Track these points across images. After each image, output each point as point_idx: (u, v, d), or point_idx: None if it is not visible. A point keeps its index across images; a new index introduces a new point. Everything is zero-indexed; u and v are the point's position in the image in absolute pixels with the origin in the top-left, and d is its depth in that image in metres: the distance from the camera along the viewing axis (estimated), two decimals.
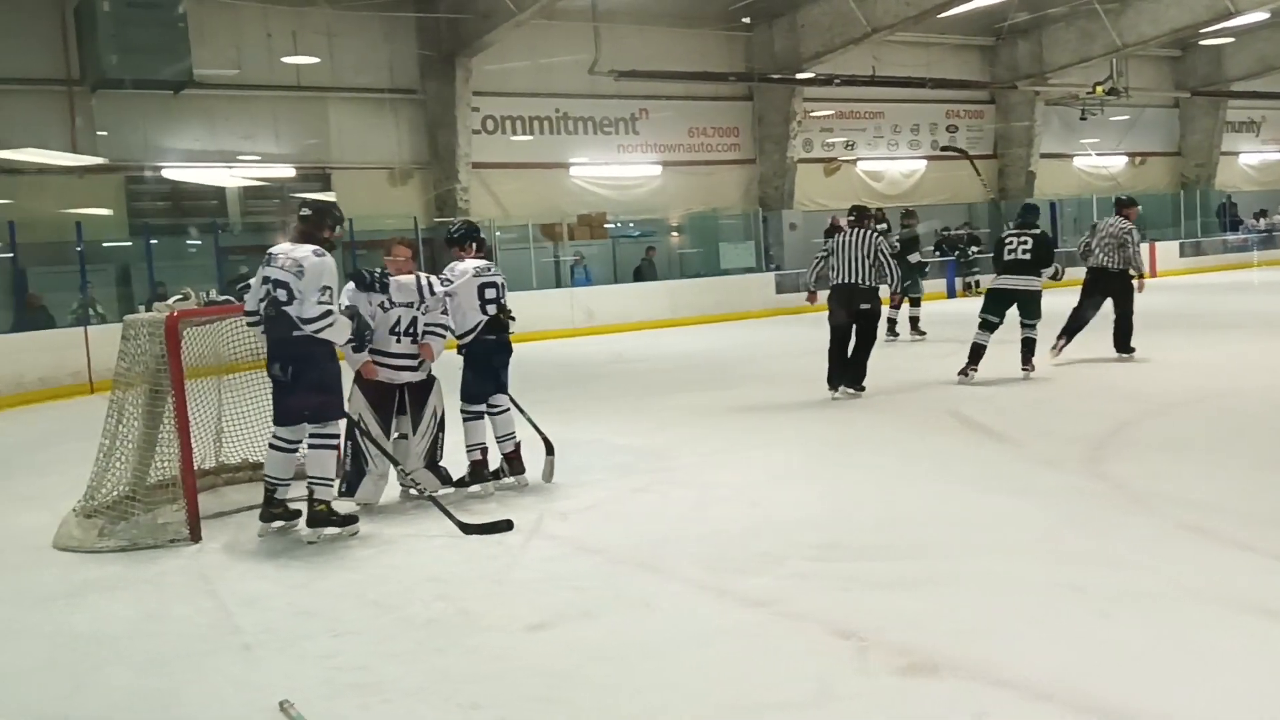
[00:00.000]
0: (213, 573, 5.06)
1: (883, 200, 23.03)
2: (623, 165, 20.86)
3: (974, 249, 22.37)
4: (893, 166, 24.25)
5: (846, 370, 9.11)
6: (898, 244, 13.75)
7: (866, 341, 9.16)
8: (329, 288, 5.51)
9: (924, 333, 13.83)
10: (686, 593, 4.39)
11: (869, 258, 8.90)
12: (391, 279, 6.03)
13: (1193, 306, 15.55)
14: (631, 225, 21.07)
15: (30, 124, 15.26)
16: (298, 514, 5.69)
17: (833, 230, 21.63)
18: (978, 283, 21.88)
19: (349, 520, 5.61)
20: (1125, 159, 27.54)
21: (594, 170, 20.56)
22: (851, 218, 9.33)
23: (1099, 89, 23.03)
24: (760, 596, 4.23)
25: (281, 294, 5.44)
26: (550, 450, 6.53)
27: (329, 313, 5.46)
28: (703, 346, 14.95)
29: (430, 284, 6.15)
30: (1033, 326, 9.61)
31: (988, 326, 9.62)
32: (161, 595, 4.77)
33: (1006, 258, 9.69)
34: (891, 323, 13.51)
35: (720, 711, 3.27)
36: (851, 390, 9.12)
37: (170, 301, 5.97)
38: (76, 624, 4.43)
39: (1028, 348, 9.62)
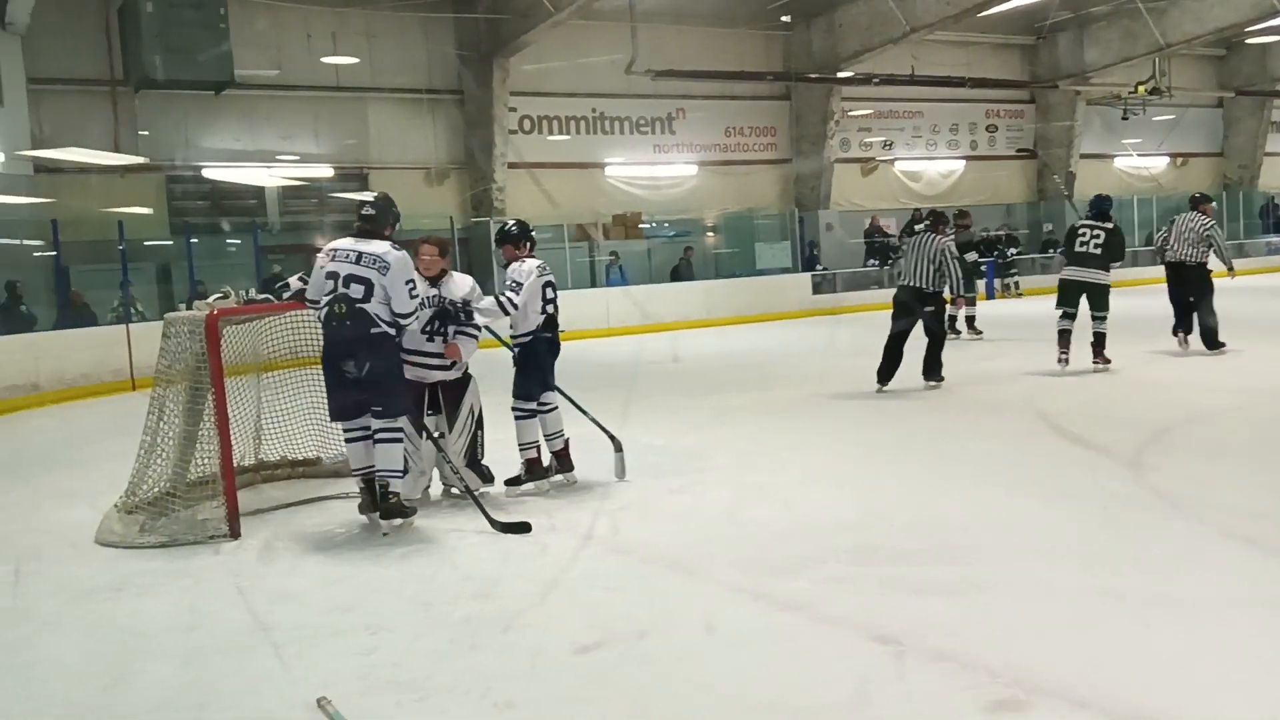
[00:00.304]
0: (251, 569, 5.11)
1: (921, 201, 22.90)
2: (659, 165, 20.85)
3: (1013, 250, 22.15)
4: (931, 166, 24.09)
5: (923, 366, 9.42)
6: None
7: (936, 338, 9.47)
8: (413, 280, 5.62)
9: (980, 331, 13.85)
10: (721, 594, 4.38)
11: (933, 262, 9.15)
12: (474, 306, 6.06)
13: (1236, 310, 15.27)
14: (666, 225, 21.05)
15: (74, 123, 15.50)
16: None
17: (873, 231, 21.70)
18: (1017, 284, 21.68)
19: (412, 511, 5.69)
20: (1167, 159, 27.17)
21: (630, 170, 20.57)
22: (927, 220, 9.67)
23: (1141, 89, 22.73)
24: (796, 599, 4.21)
25: (357, 290, 5.42)
26: (618, 447, 6.56)
27: (420, 305, 5.63)
28: (738, 347, 14.90)
29: (510, 301, 6.09)
30: (1103, 319, 9.83)
31: (1067, 316, 9.91)
32: (200, 591, 4.82)
33: (1077, 249, 9.84)
34: (952, 320, 13.48)
35: (755, 714, 3.26)
36: (932, 383, 9.43)
37: (210, 300, 6.02)
38: (117, 618, 4.49)
39: (1099, 341, 9.85)
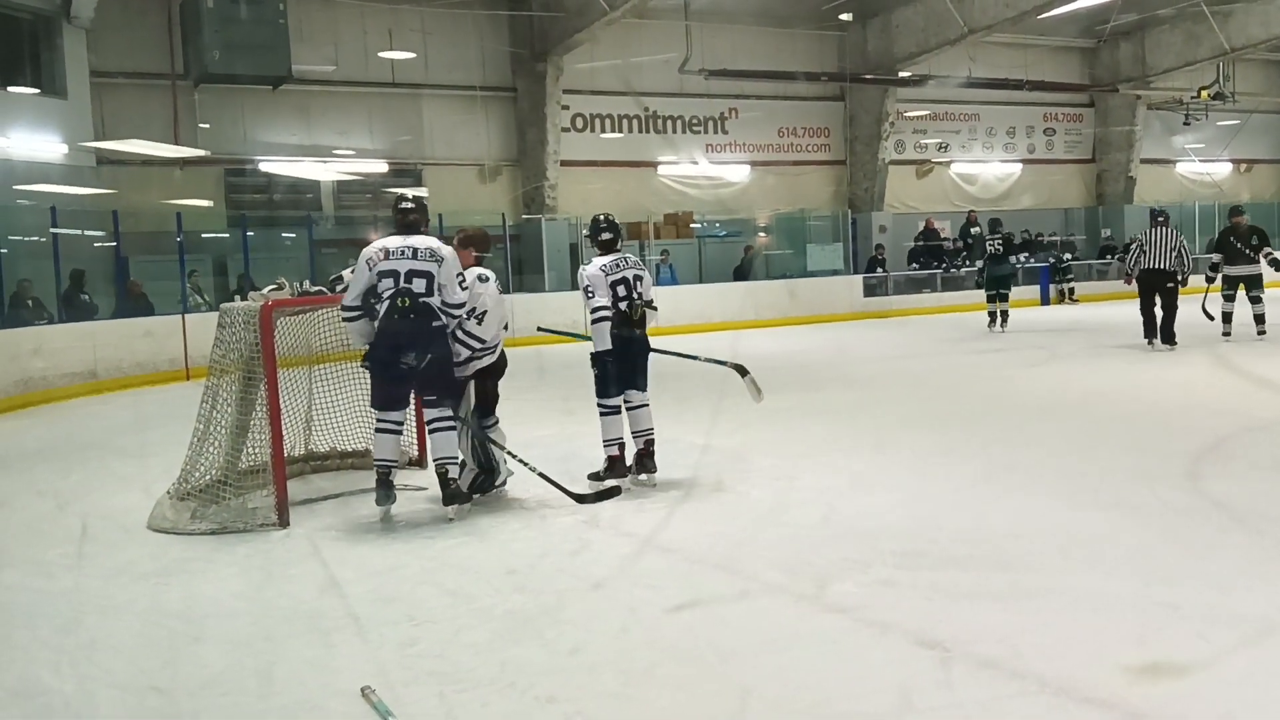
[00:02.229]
0: (298, 558, 5.15)
1: (976, 204, 22.65)
2: (711, 165, 20.79)
3: (1068, 256, 21.83)
4: (987, 170, 23.82)
5: (1160, 331, 11.79)
6: (998, 247, 15.76)
7: (1171, 310, 11.78)
8: (463, 274, 5.74)
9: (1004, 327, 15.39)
10: (765, 595, 4.34)
11: (1173, 249, 11.73)
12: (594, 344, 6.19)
13: None
14: (717, 225, 20.99)
15: (135, 116, 15.79)
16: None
17: (927, 233, 21.74)
18: (1072, 290, 21.40)
19: (469, 497, 5.77)
20: (1230, 165, 26.63)
21: (682, 169, 20.54)
22: (1160, 219, 11.98)
23: (1204, 93, 22.28)
24: (841, 603, 4.16)
25: (419, 285, 5.53)
26: (743, 371, 6.82)
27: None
28: (786, 349, 14.81)
29: (603, 310, 6.14)
30: (1259, 300, 12.42)
31: (1230, 298, 12.57)
32: (248, 578, 4.87)
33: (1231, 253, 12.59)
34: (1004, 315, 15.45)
35: (797, 718, 3.22)
36: (1167, 346, 11.70)
37: (265, 291, 6.09)
38: (167, 603, 4.55)
39: (1260, 317, 12.40)
